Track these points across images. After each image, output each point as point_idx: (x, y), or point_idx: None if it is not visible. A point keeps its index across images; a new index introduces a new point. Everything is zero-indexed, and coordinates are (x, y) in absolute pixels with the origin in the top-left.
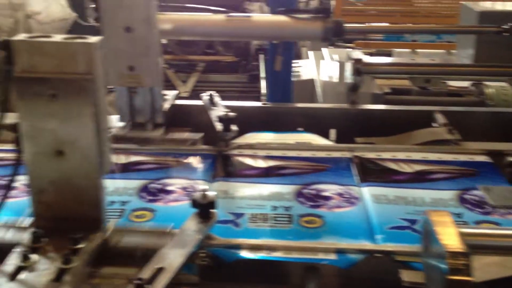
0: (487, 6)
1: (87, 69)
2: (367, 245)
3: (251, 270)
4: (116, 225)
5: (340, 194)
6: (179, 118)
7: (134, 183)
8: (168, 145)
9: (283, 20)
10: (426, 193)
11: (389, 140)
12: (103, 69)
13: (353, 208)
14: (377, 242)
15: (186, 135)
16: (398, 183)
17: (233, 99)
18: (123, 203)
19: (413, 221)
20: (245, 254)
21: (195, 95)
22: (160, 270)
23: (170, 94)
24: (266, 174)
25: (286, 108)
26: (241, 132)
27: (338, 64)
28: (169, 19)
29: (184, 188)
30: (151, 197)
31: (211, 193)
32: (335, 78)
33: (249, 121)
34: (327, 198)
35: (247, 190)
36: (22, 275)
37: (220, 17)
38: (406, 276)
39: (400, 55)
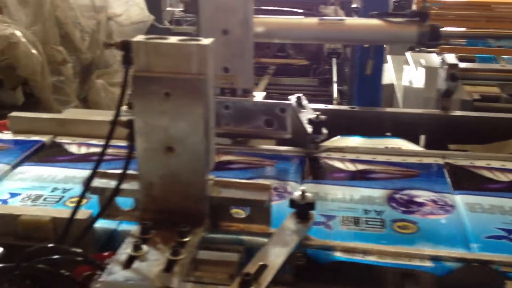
0: None
1: (200, 70)
2: (464, 253)
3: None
4: None
5: (434, 201)
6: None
7: None
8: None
9: (376, 24)
10: None
11: (484, 148)
12: None
13: (448, 216)
14: (473, 251)
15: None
16: (494, 192)
17: None
18: None
19: (510, 231)
20: (340, 256)
21: (266, 98)
22: (263, 267)
23: (258, 95)
24: (355, 178)
25: (374, 112)
26: (328, 135)
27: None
28: (262, 22)
29: (275, 189)
30: None
31: (310, 194)
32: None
33: (336, 124)
34: (420, 204)
35: (337, 192)
36: (135, 264)
37: (313, 20)
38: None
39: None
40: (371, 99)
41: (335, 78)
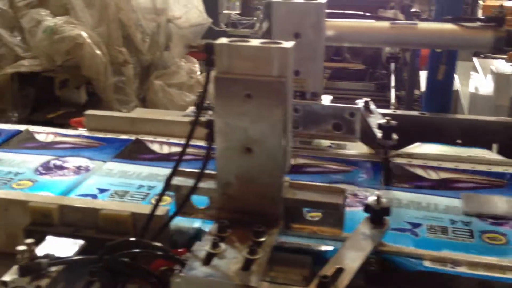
0: None
1: (280, 72)
2: None
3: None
4: None
5: None
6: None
7: None
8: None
9: (450, 28)
10: None
11: None
12: None
13: None
14: None
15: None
16: None
17: None
18: None
19: None
20: (428, 265)
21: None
22: (340, 271)
23: (325, 98)
24: (439, 187)
25: (445, 119)
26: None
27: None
28: (332, 26)
29: (354, 194)
30: None
31: (385, 199)
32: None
33: (404, 130)
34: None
35: (420, 200)
36: (214, 261)
37: (384, 24)
38: None
39: None
40: (441, 105)
41: (393, 83)
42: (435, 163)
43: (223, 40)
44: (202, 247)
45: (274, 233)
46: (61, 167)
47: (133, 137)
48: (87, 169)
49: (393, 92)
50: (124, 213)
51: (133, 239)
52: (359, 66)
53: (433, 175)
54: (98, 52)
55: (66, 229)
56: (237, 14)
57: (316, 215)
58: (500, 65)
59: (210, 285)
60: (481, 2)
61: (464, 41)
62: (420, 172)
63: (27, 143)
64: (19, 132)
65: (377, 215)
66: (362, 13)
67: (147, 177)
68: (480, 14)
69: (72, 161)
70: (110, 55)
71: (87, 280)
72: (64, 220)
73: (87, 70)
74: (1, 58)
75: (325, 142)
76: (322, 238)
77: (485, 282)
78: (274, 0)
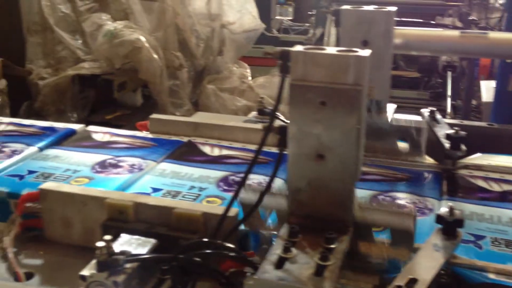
0: None
1: (357, 81)
2: None
3: None
4: None
5: None
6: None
7: (362, 193)
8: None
9: None
10: None
11: None
12: None
13: None
14: None
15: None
16: None
17: None
18: None
19: None
20: (493, 278)
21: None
22: (413, 281)
23: (390, 107)
24: (502, 199)
25: None
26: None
27: None
28: (401, 34)
29: (414, 204)
30: None
31: (458, 211)
32: None
33: (470, 141)
34: None
35: (483, 212)
36: (286, 265)
37: (454, 33)
38: None
39: None
40: (510, 116)
41: (449, 92)
42: (497, 175)
43: (299, 48)
44: (274, 251)
45: (345, 240)
46: (116, 166)
47: (185, 139)
48: (140, 168)
49: (449, 102)
50: (196, 213)
51: (206, 240)
52: (414, 74)
53: (495, 187)
54: (155, 56)
55: (140, 226)
56: (289, 20)
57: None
58: None
59: None
60: None
61: None
62: (482, 183)
63: (84, 142)
64: (74, 131)
65: (450, 226)
66: (431, 22)
67: (198, 178)
68: None
69: (126, 160)
70: (166, 59)
71: (159, 278)
72: (138, 217)
73: (144, 73)
74: (63, 60)
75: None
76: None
77: None
78: (343, 7)
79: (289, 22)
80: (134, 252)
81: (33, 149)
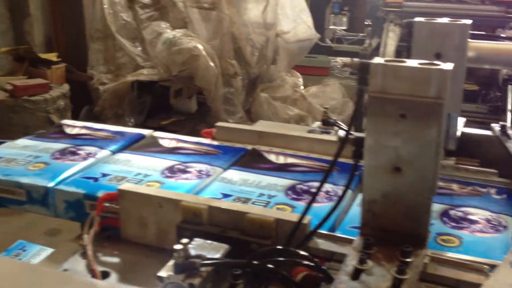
0: None
1: (438, 94)
2: None
3: None
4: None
5: None
6: (464, 146)
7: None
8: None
9: None
10: None
11: None
12: None
13: None
14: None
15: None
16: None
17: None
18: None
19: None
20: None
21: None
22: None
23: (459, 121)
24: None
25: None
26: None
27: None
28: (474, 47)
29: (487, 220)
30: (454, 224)
31: None
32: None
33: None
34: None
35: None
36: (362, 277)
37: None
38: None
39: None
40: None
41: (509, 106)
42: None
43: (379, 60)
44: (349, 262)
45: (421, 254)
46: (184, 171)
47: (249, 147)
48: (207, 174)
49: (509, 116)
50: (269, 218)
51: (281, 247)
52: (473, 87)
53: None
54: (211, 64)
55: (213, 229)
56: (342, 30)
57: None
58: None
59: None
60: None
61: None
62: None
63: (152, 147)
64: (143, 136)
65: None
66: (503, 35)
67: (266, 186)
68: None
69: (194, 166)
70: (222, 67)
71: (231, 283)
72: (211, 220)
73: (200, 80)
74: (122, 66)
75: (448, 162)
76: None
77: None
78: (416, 19)
79: (342, 32)
80: (208, 256)
81: (105, 152)
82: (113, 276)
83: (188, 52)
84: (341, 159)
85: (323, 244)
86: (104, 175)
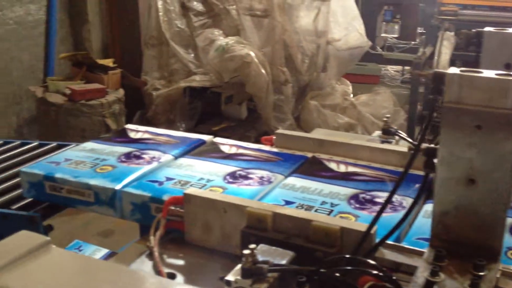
0: None
1: None
2: None
3: None
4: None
5: None
6: None
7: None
8: None
9: None
10: None
11: None
12: None
13: None
14: None
15: None
16: None
17: None
18: None
19: None
20: None
21: None
22: None
23: None
24: None
25: None
26: None
27: None
28: None
29: None
30: None
31: None
32: None
33: None
34: None
35: None
36: None
37: None
38: None
39: None
40: None
41: None
42: None
43: (454, 70)
44: (420, 274)
45: (494, 268)
46: (246, 177)
47: (309, 155)
48: (269, 181)
49: None
50: (334, 227)
51: (349, 256)
52: None
53: None
54: (263, 71)
55: (277, 235)
56: (394, 37)
57: None
58: None
59: None
60: None
61: None
62: None
63: (213, 152)
64: (203, 141)
65: None
66: None
67: (328, 194)
68: None
69: (255, 173)
70: (273, 74)
71: None
72: (276, 227)
73: (251, 87)
74: (175, 72)
75: None
76: None
77: None
78: (486, 29)
79: (393, 40)
80: (274, 262)
81: (168, 156)
82: (179, 278)
83: (240, 59)
84: (401, 169)
85: (389, 255)
86: (168, 179)
